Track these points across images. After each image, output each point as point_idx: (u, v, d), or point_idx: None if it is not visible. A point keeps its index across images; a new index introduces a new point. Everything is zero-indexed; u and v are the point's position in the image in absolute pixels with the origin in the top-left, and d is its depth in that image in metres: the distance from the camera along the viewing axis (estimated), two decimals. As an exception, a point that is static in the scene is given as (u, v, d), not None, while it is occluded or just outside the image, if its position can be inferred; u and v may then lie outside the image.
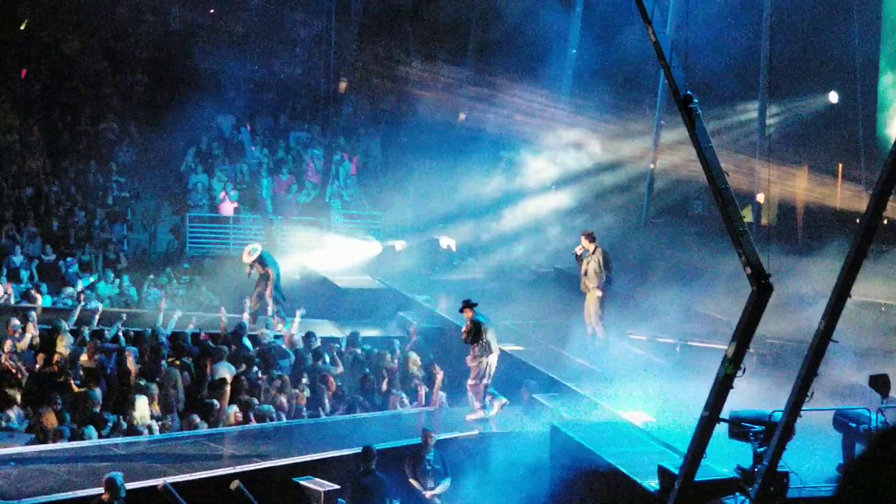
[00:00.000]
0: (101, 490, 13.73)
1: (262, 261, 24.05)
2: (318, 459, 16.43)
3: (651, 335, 22.02)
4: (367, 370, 21.48)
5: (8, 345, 20.39)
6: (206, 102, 35.53)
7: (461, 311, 18.87)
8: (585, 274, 20.97)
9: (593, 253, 20.89)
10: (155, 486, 14.45)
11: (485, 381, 18.56)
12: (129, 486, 14.03)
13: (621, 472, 14.48)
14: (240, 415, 18.22)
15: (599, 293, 20.85)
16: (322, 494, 15.14)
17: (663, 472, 13.60)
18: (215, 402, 18.54)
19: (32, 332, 21.27)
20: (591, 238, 21.07)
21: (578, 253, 21.12)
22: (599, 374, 19.59)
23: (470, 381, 18.73)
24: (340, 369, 21.43)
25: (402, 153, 35.70)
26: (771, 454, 12.53)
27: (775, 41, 25.11)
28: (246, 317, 23.10)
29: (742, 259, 12.13)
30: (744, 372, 12.32)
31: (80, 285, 27.41)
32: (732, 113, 28.04)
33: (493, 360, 18.51)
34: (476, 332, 18.40)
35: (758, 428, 13.03)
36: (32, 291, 26.72)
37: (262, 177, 34.73)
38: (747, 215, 26.28)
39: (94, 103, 35.56)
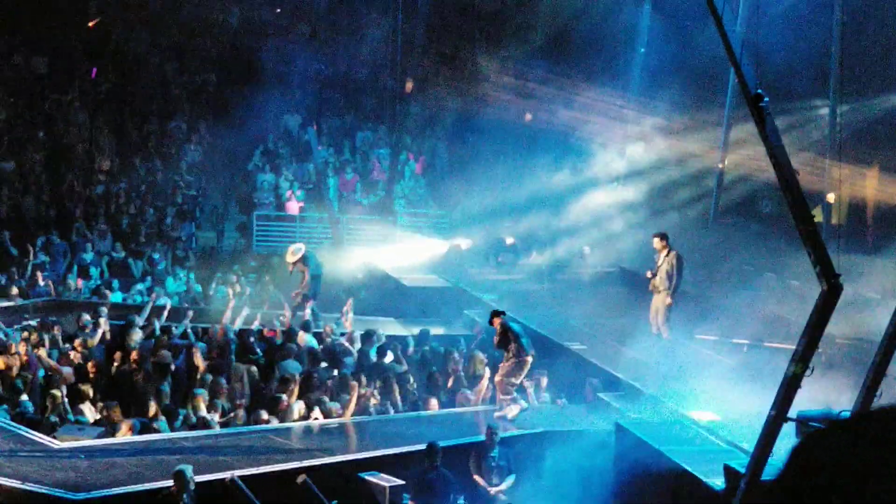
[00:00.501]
0: (169, 483, 13.89)
1: (304, 260, 24.18)
2: (384, 455, 16.49)
3: (718, 335, 21.87)
4: (434, 368, 21.53)
5: (79, 341, 20.68)
6: (273, 101, 35.77)
7: (490, 322, 19.14)
8: (654, 276, 20.77)
9: (666, 255, 20.65)
10: (223, 480, 14.60)
11: (514, 379, 18.59)
12: (198, 479, 14.15)
13: (687, 470, 14.41)
14: (306, 411, 18.30)
15: (669, 299, 20.62)
16: (387, 490, 15.20)
17: (729, 472, 13.53)
18: (283, 397, 18.64)
19: (104, 327, 21.56)
20: (663, 239, 20.85)
21: (649, 276, 20.86)
22: (665, 372, 19.49)
23: (498, 377, 18.83)
24: (404, 367, 21.48)
25: (468, 152, 35.73)
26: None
27: (846, 39, 24.86)
28: (287, 313, 23.25)
29: (811, 258, 12.05)
30: (812, 371, 12.23)
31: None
32: (803, 111, 27.74)
33: (528, 360, 18.54)
34: (504, 337, 18.58)
35: (826, 428, 12.90)
36: (103, 288, 27.10)
37: (328, 176, 34.90)
38: (817, 215, 25.98)
39: (162, 102, 35.93)
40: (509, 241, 31.93)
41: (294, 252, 24.30)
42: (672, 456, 14.91)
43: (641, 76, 31.67)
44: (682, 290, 21.36)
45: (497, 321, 18.84)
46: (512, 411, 18.48)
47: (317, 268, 24.39)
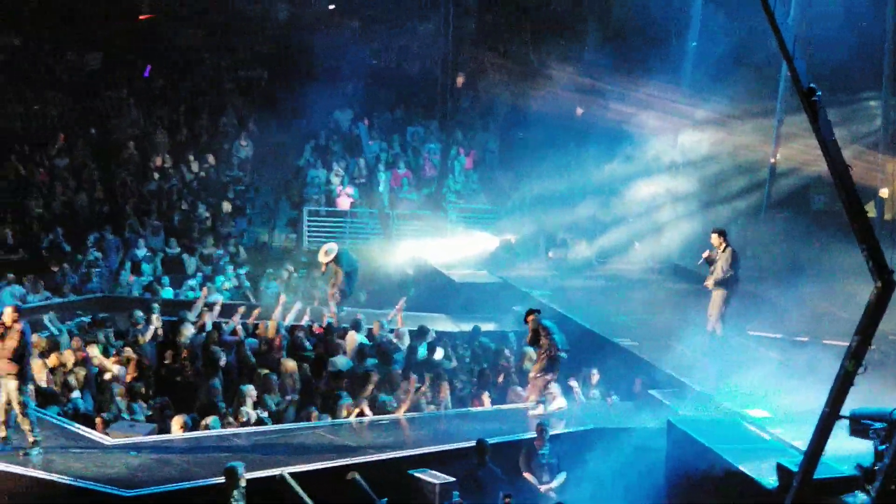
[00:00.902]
0: (220, 480, 13.95)
1: (337, 260, 24.18)
2: (434, 452, 16.49)
3: (770, 331, 21.69)
4: (485, 364, 21.50)
5: (131, 338, 20.83)
6: (323, 97, 35.83)
7: (525, 321, 19.22)
8: (713, 272, 20.62)
9: (723, 251, 20.50)
10: (274, 476, 14.66)
11: (548, 376, 18.58)
12: (249, 475, 14.19)
13: (739, 469, 14.31)
14: (356, 407, 18.32)
15: (724, 291, 20.46)
16: (437, 487, 15.20)
17: (782, 470, 13.43)
18: (344, 393, 18.70)
19: (156, 323, 21.69)
20: (721, 235, 20.69)
21: (706, 257, 20.74)
22: (717, 369, 19.35)
23: (532, 374, 18.93)
24: (454, 364, 21.48)
25: (518, 147, 35.62)
26: (892, 452, 12.29)
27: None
28: (334, 311, 23.23)
29: (864, 254, 11.92)
30: (865, 369, 12.10)
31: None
32: (856, 106, 27.51)
33: (560, 357, 18.61)
34: (536, 334, 18.73)
35: (879, 425, 12.77)
36: (155, 284, 27.24)
37: (378, 171, 34.91)
38: (870, 210, 25.76)
39: (214, 98, 36.07)
40: (560, 236, 31.84)
41: (328, 252, 24.32)
42: (724, 454, 14.81)
43: (694, 68, 31.48)
44: (737, 287, 21.06)
45: (530, 318, 18.94)
46: (547, 407, 18.46)
47: (350, 265, 24.31)
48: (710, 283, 20.48)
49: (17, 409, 15.07)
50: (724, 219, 26.58)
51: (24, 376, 15.14)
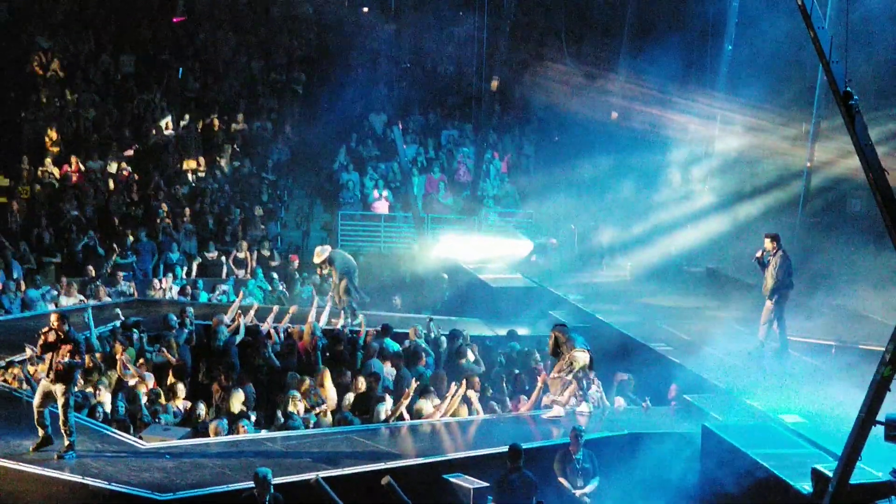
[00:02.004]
0: (251, 484, 13.99)
1: (330, 261, 23.98)
2: (468, 457, 16.45)
3: (807, 336, 21.54)
4: (518, 370, 21.44)
5: (166, 341, 20.87)
6: (358, 100, 35.92)
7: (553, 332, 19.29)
8: (764, 266, 20.49)
9: (774, 255, 20.38)
10: (307, 481, 14.66)
11: (567, 377, 18.50)
12: (282, 480, 14.27)
13: (774, 474, 14.24)
14: (390, 411, 18.31)
15: (776, 298, 20.32)
16: (471, 492, 15.17)
17: (817, 475, 13.36)
18: (388, 398, 18.72)
19: (189, 327, 21.75)
20: (774, 240, 20.56)
21: (759, 256, 20.63)
22: (753, 375, 19.25)
23: (553, 374, 18.87)
24: (482, 368, 21.42)
25: (554, 151, 35.60)
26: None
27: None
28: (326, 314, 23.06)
29: (901, 259, 11.86)
30: (902, 375, 12.01)
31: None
32: (893, 109, 27.28)
33: (578, 356, 18.45)
34: (557, 343, 18.74)
35: (916, 431, 12.67)
36: (189, 287, 27.35)
37: (413, 175, 34.94)
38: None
39: (248, 101, 36.18)
40: (595, 240, 31.77)
41: (319, 253, 24.12)
42: (759, 459, 14.74)
43: (730, 71, 31.34)
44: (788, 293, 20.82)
45: (553, 333, 19.06)
46: (560, 411, 18.39)
47: (345, 265, 24.05)
48: (765, 290, 20.34)
49: (61, 413, 15.14)
50: (760, 224, 26.39)
51: (71, 381, 15.23)
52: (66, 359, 15.05)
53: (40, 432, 15.34)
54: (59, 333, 15.13)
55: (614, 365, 21.19)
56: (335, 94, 35.11)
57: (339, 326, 22.83)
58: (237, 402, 18.10)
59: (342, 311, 23.53)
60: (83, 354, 15.53)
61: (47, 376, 15.20)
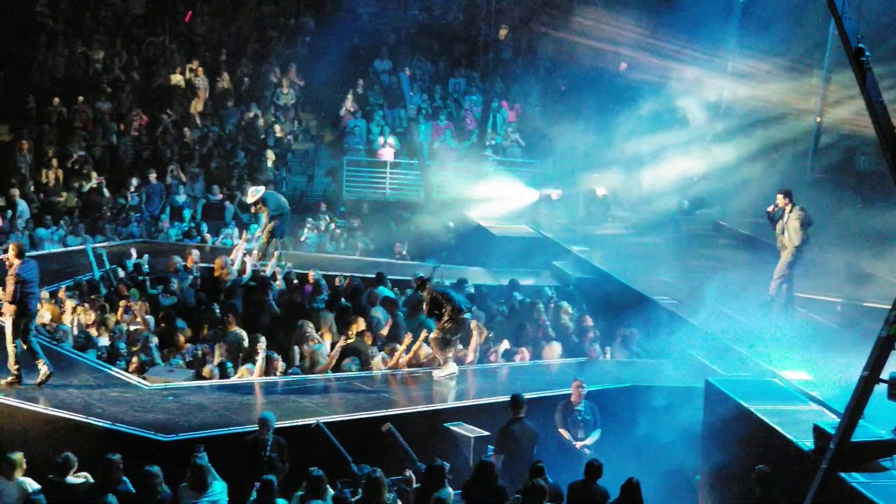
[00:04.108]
0: (255, 427, 14.03)
1: (263, 202, 23.55)
2: (469, 406, 16.48)
3: (812, 292, 21.51)
4: (522, 320, 21.41)
5: (171, 284, 20.91)
6: (366, 47, 35.72)
7: (417, 289, 18.93)
8: (782, 233, 20.34)
9: (790, 211, 20.26)
10: (309, 425, 14.69)
11: (449, 336, 17.66)
12: (284, 423, 14.32)
13: (776, 430, 14.19)
14: (389, 359, 18.31)
15: (792, 253, 20.23)
16: (472, 440, 15.22)
17: (819, 432, 13.31)
18: (379, 344, 18.73)
19: (195, 271, 21.79)
20: (787, 195, 20.44)
21: (771, 211, 20.54)
22: (758, 331, 19.20)
23: (433, 335, 17.87)
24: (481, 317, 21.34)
25: (560, 101, 35.40)
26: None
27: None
28: (254, 255, 22.74)
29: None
30: (907, 332, 11.96)
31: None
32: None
33: (463, 318, 17.77)
34: (435, 303, 17.74)
35: (919, 389, 12.65)
36: (194, 231, 27.33)
37: (419, 123, 34.82)
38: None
39: (256, 45, 36.02)
40: (600, 192, 31.67)
41: (253, 193, 23.75)
42: (761, 415, 14.70)
43: (740, 24, 31.14)
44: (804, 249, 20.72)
45: (425, 291, 18.18)
46: (448, 370, 17.70)
47: (278, 209, 23.64)
48: (784, 244, 20.22)
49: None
50: (769, 180, 26.26)
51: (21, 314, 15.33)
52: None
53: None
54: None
55: (618, 318, 21.18)
56: (342, 39, 34.91)
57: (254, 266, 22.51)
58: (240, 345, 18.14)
59: (266, 252, 23.18)
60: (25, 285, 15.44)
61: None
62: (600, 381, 17.85)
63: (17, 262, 15.31)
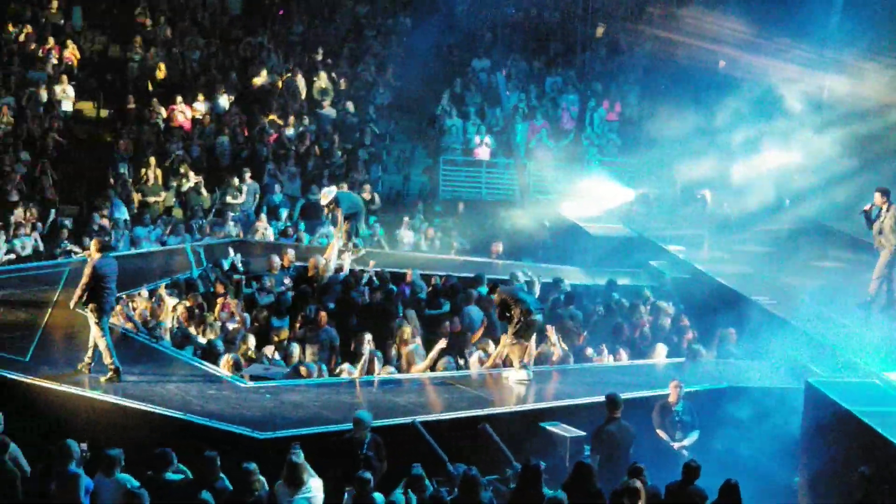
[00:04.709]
0: (351, 426, 14.08)
1: (336, 202, 23.57)
2: (565, 406, 16.40)
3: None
4: (620, 319, 21.28)
5: (267, 283, 21.09)
6: (463, 46, 35.73)
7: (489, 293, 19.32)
8: (880, 232, 19.94)
9: (888, 210, 19.86)
10: (405, 425, 14.71)
11: (525, 342, 17.54)
12: (381, 423, 14.34)
13: (878, 432, 13.99)
14: (486, 358, 18.27)
15: (889, 253, 19.84)
16: (568, 441, 15.14)
17: (922, 435, 13.13)
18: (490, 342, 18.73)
19: (290, 270, 21.99)
20: (885, 194, 20.04)
21: (867, 210, 20.13)
22: (859, 331, 18.88)
23: (507, 340, 17.73)
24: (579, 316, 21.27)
25: (659, 100, 35.10)
26: None
27: None
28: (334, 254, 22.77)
29: None
30: None
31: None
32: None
33: (534, 321, 17.58)
34: (504, 306, 17.69)
35: None
36: (290, 229, 27.53)
37: (516, 122, 34.76)
38: None
39: (353, 45, 36.21)
40: (698, 192, 31.33)
41: (325, 194, 23.82)
42: (863, 417, 14.48)
43: (841, 20, 30.64)
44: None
45: (496, 295, 18.28)
46: (518, 375, 17.50)
47: (351, 207, 23.66)
48: (882, 243, 19.82)
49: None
50: (872, 179, 25.79)
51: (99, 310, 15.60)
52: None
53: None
54: None
55: (717, 317, 20.97)
56: (440, 39, 34.97)
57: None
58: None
59: (346, 252, 23.27)
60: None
61: None
62: (698, 381, 17.68)
63: (96, 255, 15.65)
